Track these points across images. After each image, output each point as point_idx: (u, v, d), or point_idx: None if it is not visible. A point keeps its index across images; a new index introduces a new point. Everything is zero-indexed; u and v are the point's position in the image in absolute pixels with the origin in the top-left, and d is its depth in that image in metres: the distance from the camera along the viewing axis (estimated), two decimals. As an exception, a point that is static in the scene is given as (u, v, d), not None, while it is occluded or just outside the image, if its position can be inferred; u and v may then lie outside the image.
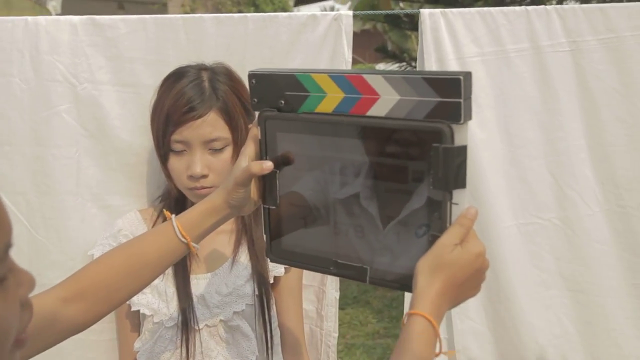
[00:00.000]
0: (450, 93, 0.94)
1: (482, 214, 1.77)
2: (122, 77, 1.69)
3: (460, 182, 0.97)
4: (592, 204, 1.85)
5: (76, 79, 1.67)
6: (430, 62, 1.76)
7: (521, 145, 1.82)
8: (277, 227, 1.18)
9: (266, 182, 1.15)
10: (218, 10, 12.63)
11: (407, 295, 1.48)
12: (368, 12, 1.92)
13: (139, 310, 1.52)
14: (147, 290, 1.49)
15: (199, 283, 1.53)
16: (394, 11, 5.04)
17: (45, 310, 1.04)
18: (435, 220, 0.99)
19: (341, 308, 1.84)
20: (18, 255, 0.63)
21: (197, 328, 1.49)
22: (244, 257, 1.56)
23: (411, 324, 0.93)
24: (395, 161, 1.03)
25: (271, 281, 1.57)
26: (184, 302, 1.49)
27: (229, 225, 1.56)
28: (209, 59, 1.57)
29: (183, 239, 1.14)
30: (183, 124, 1.44)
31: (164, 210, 1.52)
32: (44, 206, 1.69)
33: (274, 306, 1.59)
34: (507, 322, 1.83)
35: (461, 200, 0.98)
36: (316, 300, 1.82)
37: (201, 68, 1.51)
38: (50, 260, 1.70)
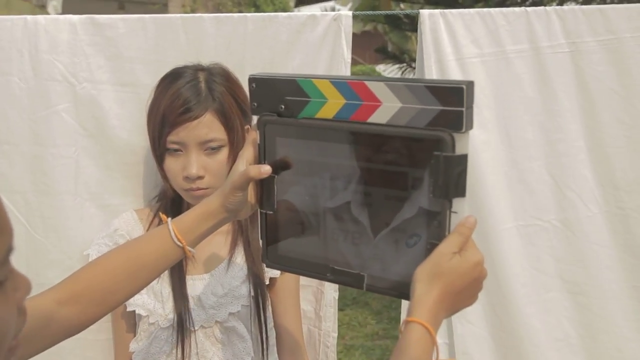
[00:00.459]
0: (453, 101, 0.94)
1: (481, 216, 1.78)
2: (121, 76, 1.69)
3: (460, 191, 0.97)
4: (591, 206, 1.85)
5: (75, 78, 1.67)
6: (429, 63, 1.76)
7: (520, 147, 1.82)
8: (273, 232, 1.18)
9: (264, 187, 1.15)
10: (218, 11, 12.64)
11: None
12: (368, 12, 1.92)
13: (134, 311, 1.51)
14: (142, 290, 1.49)
15: (194, 284, 1.53)
16: (394, 12, 5.04)
17: (41, 312, 1.03)
18: (435, 228, 0.99)
19: (340, 309, 1.84)
20: (16, 254, 0.63)
21: (192, 329, 1.48)
22: (239, 258, 1.56)
23: (408, 331, 0.92)
24: (396, 168, 1.03)
25: (267, 282, 1.57)
26: (180, 303, 1.48)
27: (225, 226, 1.55)
28: (208, 59, 1.56)
29: (179, 243, 1.14)
30: (179, 125, 1.43)
31: (160, 213, 1.51)
32: (42, 205, 1.69)
33: (270, 307, 1.59)
34: (507, 326, 1.83)
35: (460, 209, 0.98)
36: (314, 300, 1.82)
37: (198, 69, 1.51)
38: (48, 260, 1.70)
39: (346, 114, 1.04)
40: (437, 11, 1.76)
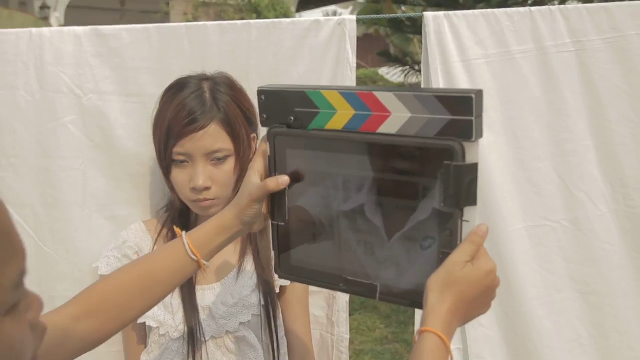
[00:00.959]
0: (462, 111, 0.94)
1: (490, 218, 1.78)
2: (126, 87, 1.69)
3: (472, 200, 0.97)
4: (600, 205, 1.84)
5: (81, 90, 1.67)
6: (435, 66, 1.75)
7: (528, 147, 1.81)
8: (285, 243, 1.18)
9: (275, 198, 1.15)
10: (220, 18, 12.66)
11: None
12: (371, 16, 1.91)
13: (145, 323, 1.51)
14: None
15: (204, 294, 1.52)
16: (397, 15, 5.04)
17: (57, 328, 1.03)
18: (446, 237, 0.98)
19: (349, 314, 1.84)
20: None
21: (203, 339, 1.48)
22: (249, 267, 1.56)
23: (423, 341, 0.92)
24: (406, 178, 1.03)
25: (277, 291, 1.56)
26: (190, 314, 1.48)
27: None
28: (213, 67, 1.56)
29: (194, 257, 1.14)
30: (185, 136, 1.43)
31: (175, 227, 1.51)
32: (51, 218, 1.69)
33: (280, 316, 1.58)
34: (519, 328, 1.82)
35: (472, 217, 0.97)
36: (326, 306, 1.81)
37: (202, 78, 1.50)
38: (57, 272, 1.70)
39: (356, 125, 1.04)
40: (441, 13, 1.76)
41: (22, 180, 1.68)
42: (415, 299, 1.02)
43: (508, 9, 1.79)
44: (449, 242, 0.98)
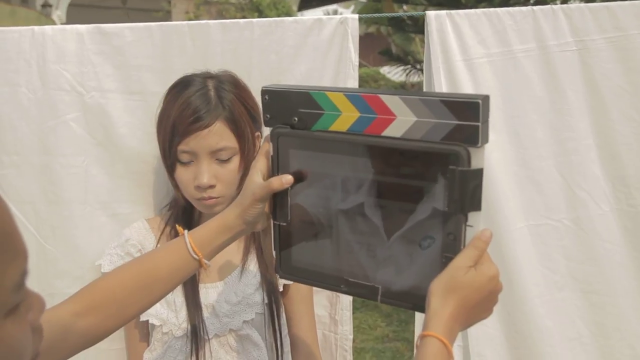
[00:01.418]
0: (468, 116, 0.93)
1: (492, 216, 1.78)
2: (129, 85, 1.69)
3: (476, 205, 0.96)
4: (602, 204, 1.84)
5: (83, 88, 1.67)
6: (437, 65, 1.75)
7: (530, 146, 1.81)
8: (287, 244, 1.18)
9: (277, 198, 1.14)
10: (222, 17, 12.65)
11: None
12: (374, 14, 1.91)
13: (147, 320, 1.51)
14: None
15: (208, 292, 1.52)
16: (399, 14, 5.04)
17: (58, 324, 1.04)
18: (450, 241, 0.98)
19: (351, 312, 1.84)
20: (27, 264, 0.63)
21: (206, 338, 1.48)
22: (252, 265, 1.56)
23: (425, 345, 0.92)
24: (410, 182, 1.03)
25: (280, 289, 1.56)
26: (193, 312, 1.48)
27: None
28: (215, 66, 1.56)
29: (195, 256, 1.14)
30: (189, 134, 1.42)
31: (177, 225, 1.51)
32: (52, 215, 1.69)
33: (284, 314, 1.58)
34: (521, 326, 1.82)
35: (476, 222, 0.97)
36: (329, 305, 1.81)
37: (206, 76, 1.50)
38: (58, 270, 1.70)
39: (360, 127, 1.04)
40: (443, 12, 1.76)
41: (23, 177, 1.68)
42: (417, 302, 1.02)
43: (510, 8, 1.78)
44: (453, 246, 0.98)
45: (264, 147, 1.15)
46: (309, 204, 1.14)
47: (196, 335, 1.47)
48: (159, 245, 1.54)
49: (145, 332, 1.55)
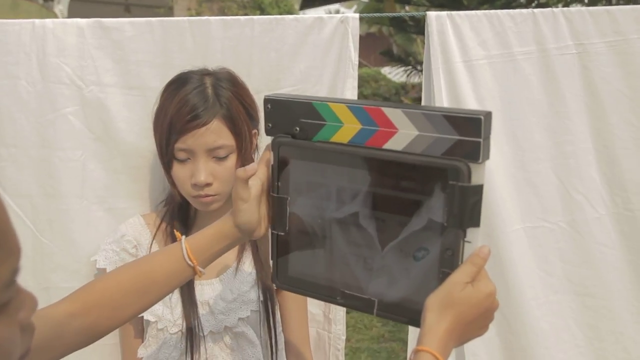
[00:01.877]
0: (470, 132, 0.93)
1: (489, 218, 1.78)
2: (128, 79, 1.69)
3: (475, 221, 0.96)
4: (599, 207, 1.84)
5: (82, 82, 1.67)
6: (437, 66, 1.75)
7: (528, 149, 1.81)
8: (284, 253, 1.17)
9: (276, 208, 1.14)
10: (224, 14, 12.64)
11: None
12: (374, 14, 1.91)
13: (142, 317, 1.51)
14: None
15: (203, 289, 1.52)
16: (400, 14, 5.04)
17: (53, 322, 1.04)
18: (448, 257, 0.98)
19: (346, 312, 1.84)
20: (23, 258, 0.63)
21: (202, 335, 1.48)
22: (248, 263, 1.56)
23: None
24: (410, 196, 1.02)
25: (275, 287, 1.56)
26: (189, 309, 1.48)
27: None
28: (215, 62, 1.56)
29: (190, 263, 1.14)
30: (187, 132, 1.42)
31: (175, 231, 1.51)
32: (49, 209, 1.69)
33: (278, 312, 1.58)
34: (516, 328, 1.82)
35: (474, 238, 0.97)
36: (323, 303, 1.81)
37: (204, 73, 1.49)
38: (55, 263, 1.70)
39: (362, 139, 1.04)
40: (444, 13, 1.76)
41: (21, 170, 1.68)
42: (412, 316, 1.02)
43: (511, 10, 1.79)
44: (450, 262, 0.98)
45: (265, 155, 1.15)
46: (307, 214, 1.13)
47: (191, 332, 1.47)
48: (156, 249, 1.54)
49: (140, 328, 1.55)
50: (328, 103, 1.06)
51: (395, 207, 1.05)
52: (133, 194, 1.73)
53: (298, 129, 1.10)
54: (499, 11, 1.78)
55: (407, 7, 7.14)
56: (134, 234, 1.58)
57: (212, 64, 1.55)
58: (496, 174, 1.78)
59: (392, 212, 1.06)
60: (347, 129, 1.05)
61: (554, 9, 1.78)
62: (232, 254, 1.55)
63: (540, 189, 1.83)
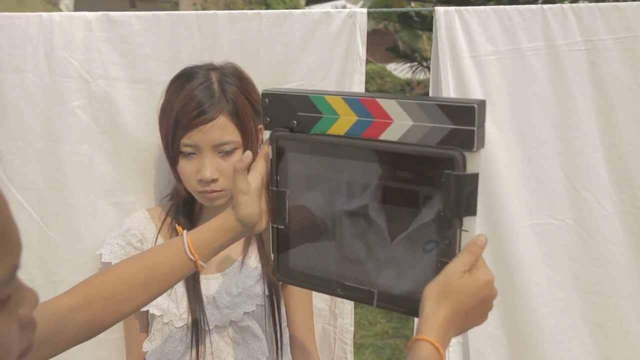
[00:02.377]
0: (464, 120, 0.94)
1: (496, 214, 1.78)
2: (135, 73, 1.69)
3: (471, 210, 0.96)
4: (606, 205, 1.84)
5: (90, 75, 1.67)
6: (445, 61, 1.75)
7: (535, 145, 1.80)
8: (284, 247, 1.18)
9: (275, 201, 1.15)
10: (229, 9, 12.64)
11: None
12: (382, 9, 1.91)
13: (147, 311, 1.51)
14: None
15: (209, 283, 1.52)
16: (407, 9, 5.02)
17: (54, 317, 1.04)
18: (445, 246, 0.98)
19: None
20: (29, 251, 0.62)
21: (207, 329, 1.48)
22: (253, 257, 1.55)
23: (417, 349, 0.92)
24: (406, 185, 1.03)
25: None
26: (194, 303, 1.48)
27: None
28: (222, 56, 1.56)
29: (192, 257, 1.14)
30: (193, 128, 1.41)
31: (177, 226, 1.51)
32: (55, 202, 1.69)
33: (284, 306, 1.58)
34: (522, 325, 1.82)
35: (471, 227, 0.97)
36: (329, 298, 1.81)
37: (210, 68, 1.49)
38: (60, 257, 1.70)
39: (358, 131, 1.04)
40: (452, 8, 1.75)
41: (28, 163, 1.68)
42: (411, 306, 1.02)
43: (520, 6, 1.78)
44: (448, 251, 0.98)
45: (263, 150, 1.15)
46: (306, 207, 1.14)
47: (197, 326, 1.46)
48: (159, 243, 1.54)
49: (145, 322, 1.55)
50: (324, 96, 1.07)
51: (394, 197, 1.06)
52: (139, 188, 1.73)
53: (295, 122, 1.10)
54: (507, 7, 1.77)
55: (412, 4, 7.13)
56: (139, 228, 1.57)
57: (219, 58, 1.54)
58: (503, 171, 1.78)
59: (390, 202, 1.07)
60: (344, 121, 1.05)
61: (563, 5, 1.77)
62: (237, 248, 1.55)
63: (548, 186, 1.82)
